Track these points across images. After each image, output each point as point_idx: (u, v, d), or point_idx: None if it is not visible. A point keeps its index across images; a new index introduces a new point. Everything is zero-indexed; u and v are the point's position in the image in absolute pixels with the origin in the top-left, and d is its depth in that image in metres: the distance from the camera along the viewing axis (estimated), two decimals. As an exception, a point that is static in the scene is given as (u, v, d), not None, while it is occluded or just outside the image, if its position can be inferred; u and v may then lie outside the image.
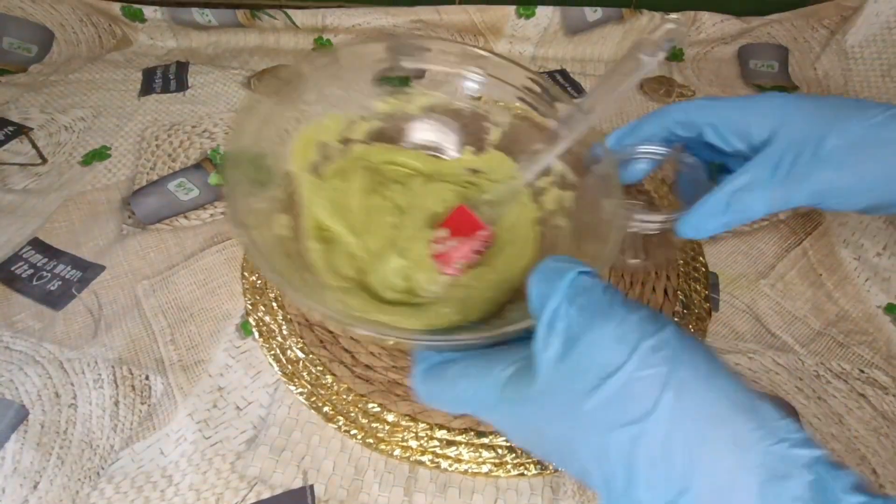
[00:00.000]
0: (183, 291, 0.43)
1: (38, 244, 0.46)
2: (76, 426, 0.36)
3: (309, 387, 0.37)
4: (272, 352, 0.39)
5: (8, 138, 0.55)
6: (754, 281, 0.46)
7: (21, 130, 0.56)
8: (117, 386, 0.38)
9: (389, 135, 0.40)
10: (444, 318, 0.31)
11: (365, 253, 0.35)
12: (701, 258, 0.47)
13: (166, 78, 0.64)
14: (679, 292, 0.44)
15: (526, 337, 0.23)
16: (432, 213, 0.36)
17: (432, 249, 0.34)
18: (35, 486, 0.33)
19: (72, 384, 0.38)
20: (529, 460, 0.35)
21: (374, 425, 0.36)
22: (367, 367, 0.38)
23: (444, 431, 0.35)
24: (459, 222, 0.35)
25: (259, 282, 0.43)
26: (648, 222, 0.38)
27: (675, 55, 0.72)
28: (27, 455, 0.34)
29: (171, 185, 0.50)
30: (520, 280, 0.27)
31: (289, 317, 0.41)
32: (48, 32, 0.66)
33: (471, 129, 0.41)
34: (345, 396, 0.37)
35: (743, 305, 0.44)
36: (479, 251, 0.35)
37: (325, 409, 0.36)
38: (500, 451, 0.35)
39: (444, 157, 0.42)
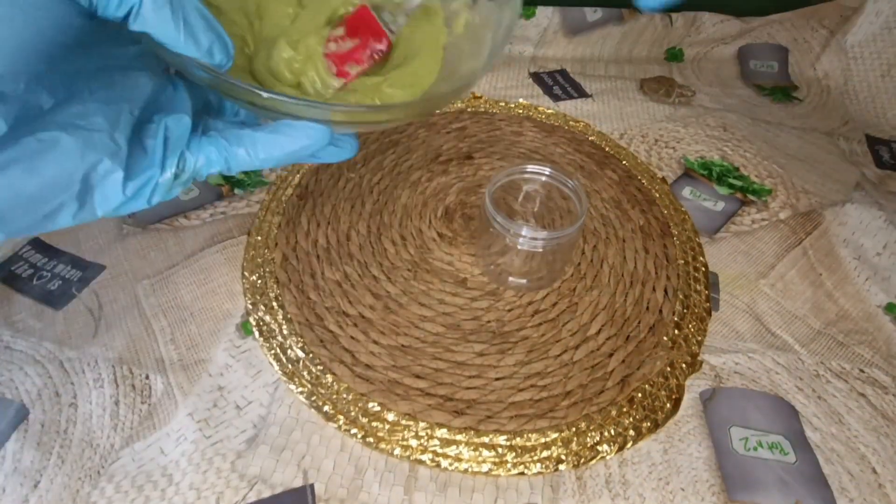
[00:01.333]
0: (183, 291, 0.43)
1: (37, 244, 0.46)
2: (76, 425, 0.36)
3: (309, 386, 0.37)
4: (272, 351, 0.39)
5: (8, 138, 0.55)
6: (754, 280, 0.46)
7: (21, 130, 0.56)
8: (117, 385, 0.38)
9: None
10: None
11: (252, 38, 0.32)
12: (701, 258, 0.47)
13: (166, 78, 0.64)
14: (679, 292, 0.44)
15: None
16: (334, 12, 0.34)
17: (326, 48, 0.32)
18: (35, 486, 0.33)
19: (72, 383, 0.38)
20: (530, 459, 0.35)
21: (374, 424, 0.36)
22: (368, 366, 0.38)
23: (444, 430, 0.35)
24: (359, 24, 0.32)
25: (259, 281, 0.43)
26: (535, 239, 0.38)
27: (676, 55, 0.72)
28: (27, 454, 0.34)
29: (172, 185, 0.50)
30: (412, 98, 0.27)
31: (289, 316, 0.41)
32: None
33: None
34: (345, 396, 0.37)
35: (743, 305, 0.45)
36: (373, 58, 0.32)
37: (326, 408, 0.36)
38: (500, 450, 0.35)
39: None
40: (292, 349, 0.39)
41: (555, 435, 0.36)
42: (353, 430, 0.35)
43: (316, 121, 0.25)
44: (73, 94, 0.21)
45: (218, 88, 0.24)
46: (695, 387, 0.39)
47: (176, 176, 0.24)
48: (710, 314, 0.43)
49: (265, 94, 0.23)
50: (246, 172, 0.52)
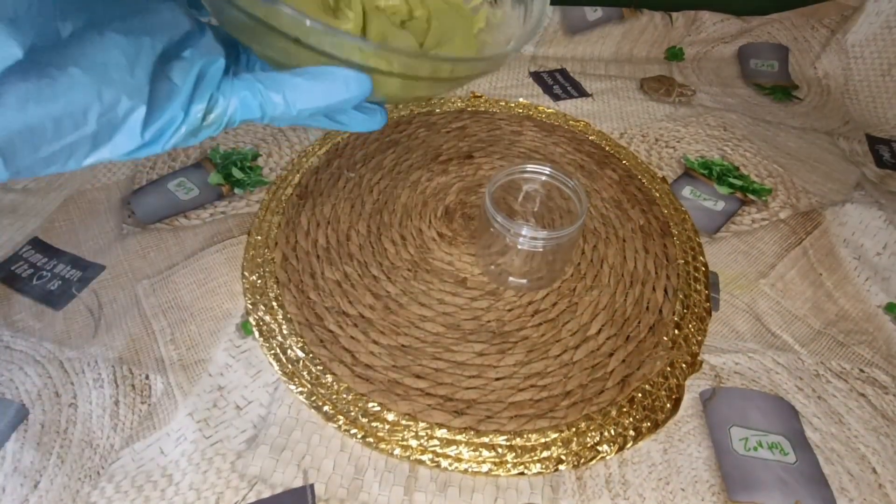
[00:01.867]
0: (183, 291, 0.43)
1: (37, 243, 0.46)
2: (76, 426, 0.36)
3: (309, 386, 0.37)
4: (272, 351, 0.39)
5: (8, 138, 0.55)
6: (754, 280, 0.46)
7: (21, 130, 0.56)
8: (117, 385, 0.38)
9: None
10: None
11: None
12: (701, 257, 0.47)
13: (166, 77, 0.64)
14: (679, 292, 0.44)
15: None
16: None
17: None
18: (35, 486, 0.33)
19: (72, 383, 0.38)
20: (530, 459, 0.35)
21: (374, 424, 0.36)
22: (368, 366, 0.38)
23: (444, 430, 0.35)
24: None
25: (259, 281, 0.43)
26: (535, 239, 0.38)
27: (676, 55, 0.72)
28: (27, 454, 0.34)
29: (171, 185, 0.50)
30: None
31: (289, 316, 0.41)
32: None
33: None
34: (345, 396, 0.37)
35: (743, 305, 0.44)
36: None
37: (326, 408, 0.36)
38: (500, 450, 0.35)
39: None
40: (292, 349, 0.39)
41: (555, 435, 0.36)
42: (353, 431, 0.35)
43: (358, 67, 0.23)
44: (92, 21, 0.19)
45: (255, 18, 0.21)
46: (695, 387, 0.39)
47: (203, 118, 0.21)
48: (710, 314, 0.43)
49: (311, 23, 0.20)
50: (246, 171, 0.52)
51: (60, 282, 0.43)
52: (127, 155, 0.20)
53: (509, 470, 0.34)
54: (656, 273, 0.45)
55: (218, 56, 0.22)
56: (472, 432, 0.35)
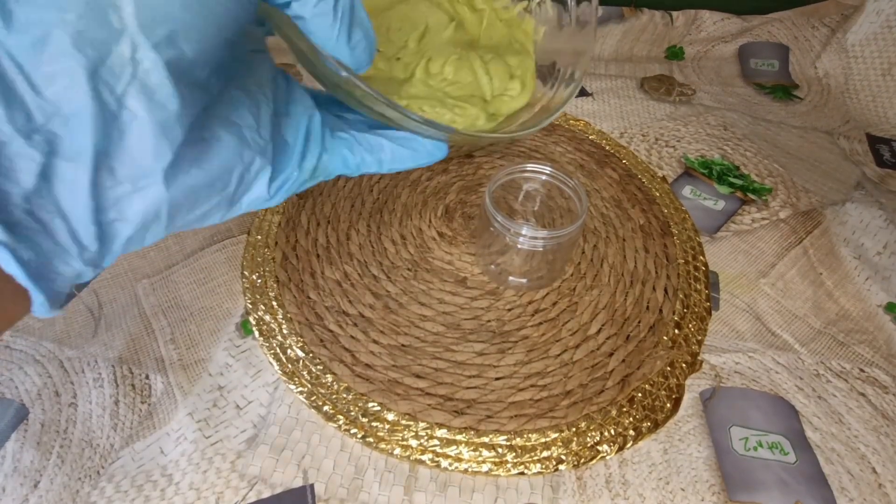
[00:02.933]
0: (183, 290, 0.43)
1: (37, 243, 0.46)
2: (76, 425, 0.36)
3: (309, 386, 0.37)
4: (272, 351, 0.39)
5: (7, 137, 0.55)
6: (754, 280, 0.46)
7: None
8: (117, 385, 0.38)
9: None
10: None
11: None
12: (701, 257, 0.47)
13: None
14: (679, 291, 0.44)
15: None
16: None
17: None
18: (35, 485, 0.33)
19: (72, 383, 0.38)
20: (530, 459, 0.35)
21: (374, 424, 0.36)
22: (368, 366, 0.38)
23: (444, 430, 0.35)
24: None
25: (259, 281, 0.43)
26: (535, 239, 0.38)
27: (676, 54, 0.72)
28: (27, 454, 0.34)
29: (171, 184, 0.50)
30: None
31: (289, 316, 0.41)
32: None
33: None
34: (345, 395, 0.37)
35: (743, 304, 0.44)
36: None
37: (326, 408, 0.36)
38: (500, 450, 0.35)
39: None
40: (292, 349, 0.39)
41: (555, 435, 0.36)
42: (353, 430, 0.35)
43: (439, 138, 0.24)
44: (228, 78, 0.19)
45: (345, 92, 0.22)
46: (695, 386, 0.39)
47: (311, 174, 0.22)
48: (710, 313, 0.43)
49: (414, 115, 0.21)
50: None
51: (60, 281, 0.43)
52: (252, 208, 0.21)
53: (509, 470, 0.34)
54: (656, 273, 0.45)
55: (316, 112, 0.23)
56: (472, 432, 0.35)
